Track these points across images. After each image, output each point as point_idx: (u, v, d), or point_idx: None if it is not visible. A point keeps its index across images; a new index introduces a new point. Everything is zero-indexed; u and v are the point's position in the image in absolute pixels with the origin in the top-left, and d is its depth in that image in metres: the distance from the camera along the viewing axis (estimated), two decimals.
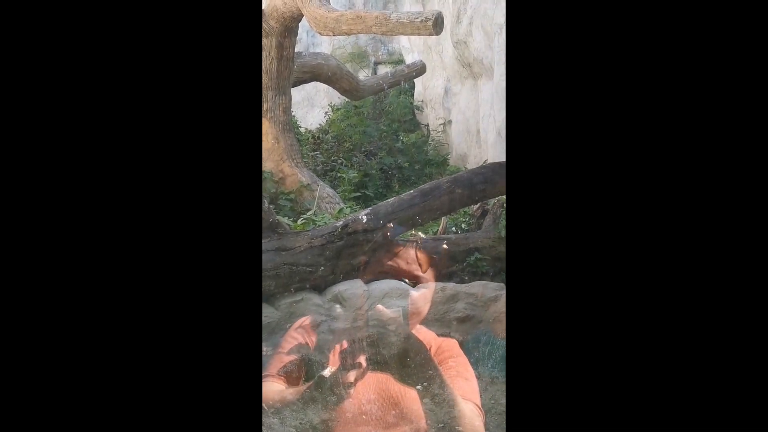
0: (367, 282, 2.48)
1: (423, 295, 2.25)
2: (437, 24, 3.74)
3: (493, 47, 5.23)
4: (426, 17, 3.80)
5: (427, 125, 7.60)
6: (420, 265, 2.30)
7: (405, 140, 7.00)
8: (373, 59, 9.18)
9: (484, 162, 5.61)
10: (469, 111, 6.31)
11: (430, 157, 6.84)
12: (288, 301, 2.77)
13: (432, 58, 7.07)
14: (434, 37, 3.90)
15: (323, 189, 4.79)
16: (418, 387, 1.85)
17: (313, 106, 9.15)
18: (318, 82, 5.40)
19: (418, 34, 4.22)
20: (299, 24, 4.55)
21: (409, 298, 2.27)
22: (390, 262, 2.35)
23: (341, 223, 2.96)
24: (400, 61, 8.97)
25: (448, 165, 6.66)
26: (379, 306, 2.00)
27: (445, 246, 3.17)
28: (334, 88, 5.29)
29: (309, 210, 4.66)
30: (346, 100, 6.94)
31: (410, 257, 2.32)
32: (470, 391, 1.82)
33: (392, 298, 3.05)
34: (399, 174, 6.07)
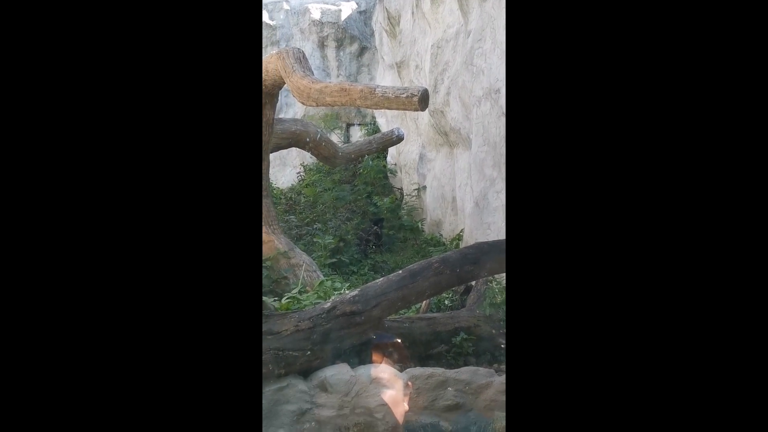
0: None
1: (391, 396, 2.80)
2: (423, 100, 3.75)
3: (471, 118, 5.30)
4: (412, 93, 3.80)
5: (401, 189, 7.62)
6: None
7: (379, 204, 6.98)
8: (345, 121, 9.23)
9: (461, 231, 5.61)
10: (444, 178, 6.34)
11: (404, 222, 6.82)
12: (272, 388, 2.64)
13: (407, 124, 7.14)
14: None
15: (300, 257, 4.69)
16: None
17: (285, 165, 9.10)
18: None
19: (404, 109, 4.24)
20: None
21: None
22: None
23: (329, 305, 2.87)
24: (373, 123, 9.02)
25: (422, 232, 6.64)
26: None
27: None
28: (312, 154, 5.25)
29: (285, 278, 4.54)
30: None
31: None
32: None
33: (379, 384, 2.95)
34: (375, 240, 6.02)
